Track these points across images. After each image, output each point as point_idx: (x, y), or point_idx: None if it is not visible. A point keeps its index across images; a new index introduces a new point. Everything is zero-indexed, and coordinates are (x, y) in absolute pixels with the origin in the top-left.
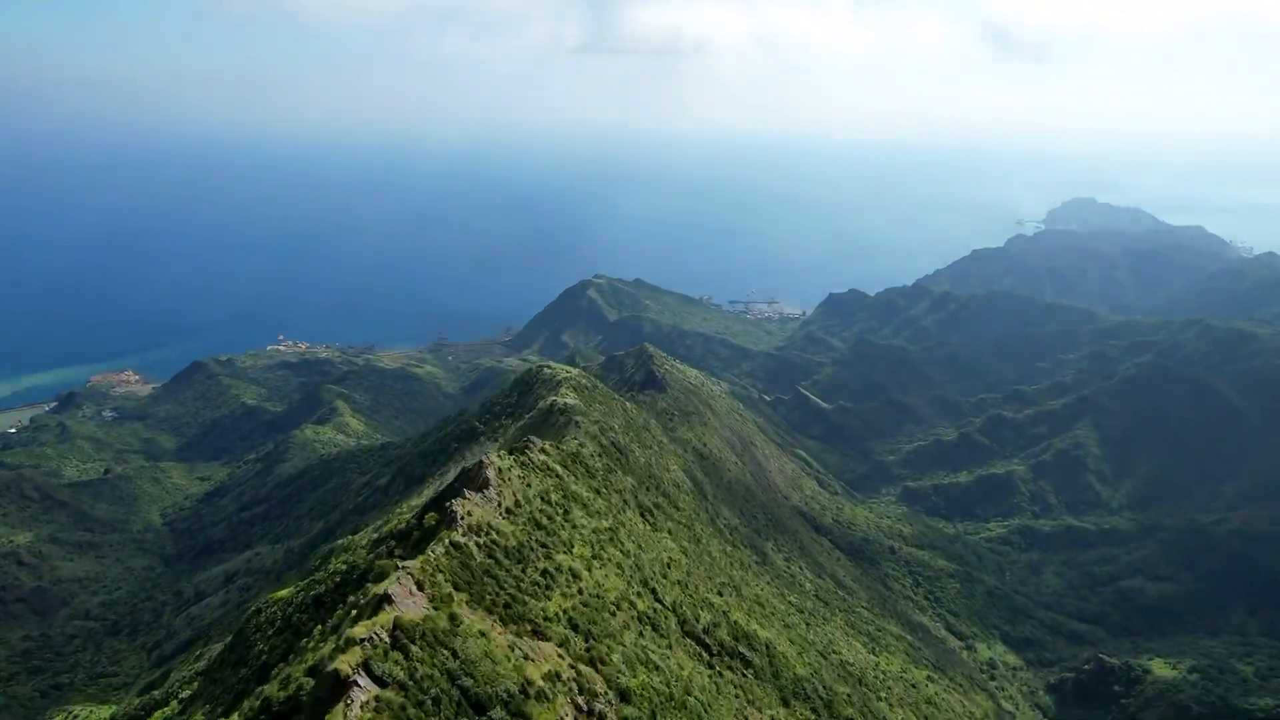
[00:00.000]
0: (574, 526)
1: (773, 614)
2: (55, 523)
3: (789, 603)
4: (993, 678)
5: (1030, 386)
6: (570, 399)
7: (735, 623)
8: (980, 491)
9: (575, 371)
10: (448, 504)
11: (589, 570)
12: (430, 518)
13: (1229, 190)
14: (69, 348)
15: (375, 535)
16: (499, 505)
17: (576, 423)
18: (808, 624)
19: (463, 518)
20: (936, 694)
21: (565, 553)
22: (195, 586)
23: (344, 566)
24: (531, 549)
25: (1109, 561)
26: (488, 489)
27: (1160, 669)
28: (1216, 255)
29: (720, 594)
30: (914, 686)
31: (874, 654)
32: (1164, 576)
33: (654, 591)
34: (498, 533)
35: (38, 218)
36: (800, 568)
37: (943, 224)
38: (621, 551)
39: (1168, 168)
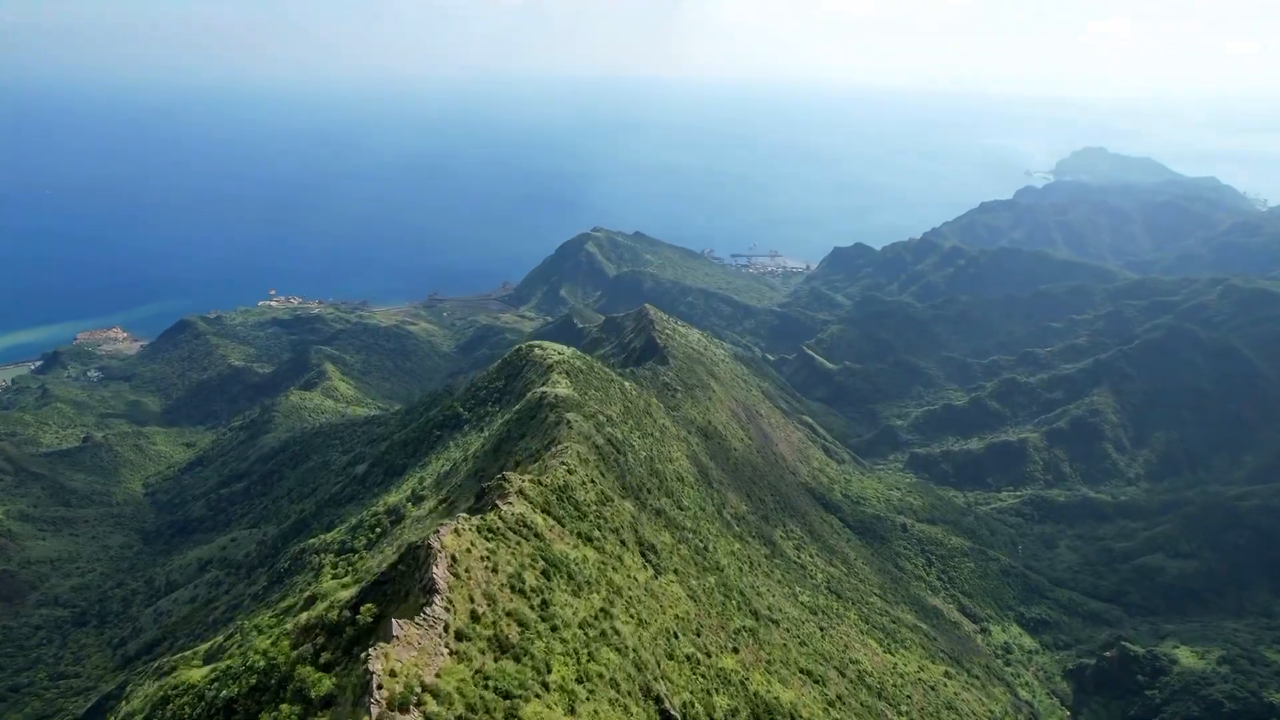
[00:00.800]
0: (554, 629)
1: (789, 649)
2: (29, 496)
3: (802, 605)
4: (1008, 664)
5: (1044, 349)
6: (562, 388)
7: (756, 695)
8: (991, 459)
9: (568, 352)
10: (364, 658)
11: (571, 710)
12: (367, 610)
13: (1243, 140)
14: (56, 304)
15: (306, 619)
16: (445, 631)
17: (568, 423)
18: (822, 630)
19: (381, 686)
20: (955, 695)
21: (538, 693)
22: (168, 575)
23: (262, 663)
24: (487, 709)
25: (1127, 536)
26: (432, 601)
27: (1187, 659)
28: (1232, 208)
29: (736, 649)
30: (932, 689)
31: (890, 652)
32: (1185, 554)
33: (658, 699)
34: (436, 697)
35: (20, 168)
36: (811, 555)
37: (948, 174)
38: (617, 650)
39: (1179, 117)
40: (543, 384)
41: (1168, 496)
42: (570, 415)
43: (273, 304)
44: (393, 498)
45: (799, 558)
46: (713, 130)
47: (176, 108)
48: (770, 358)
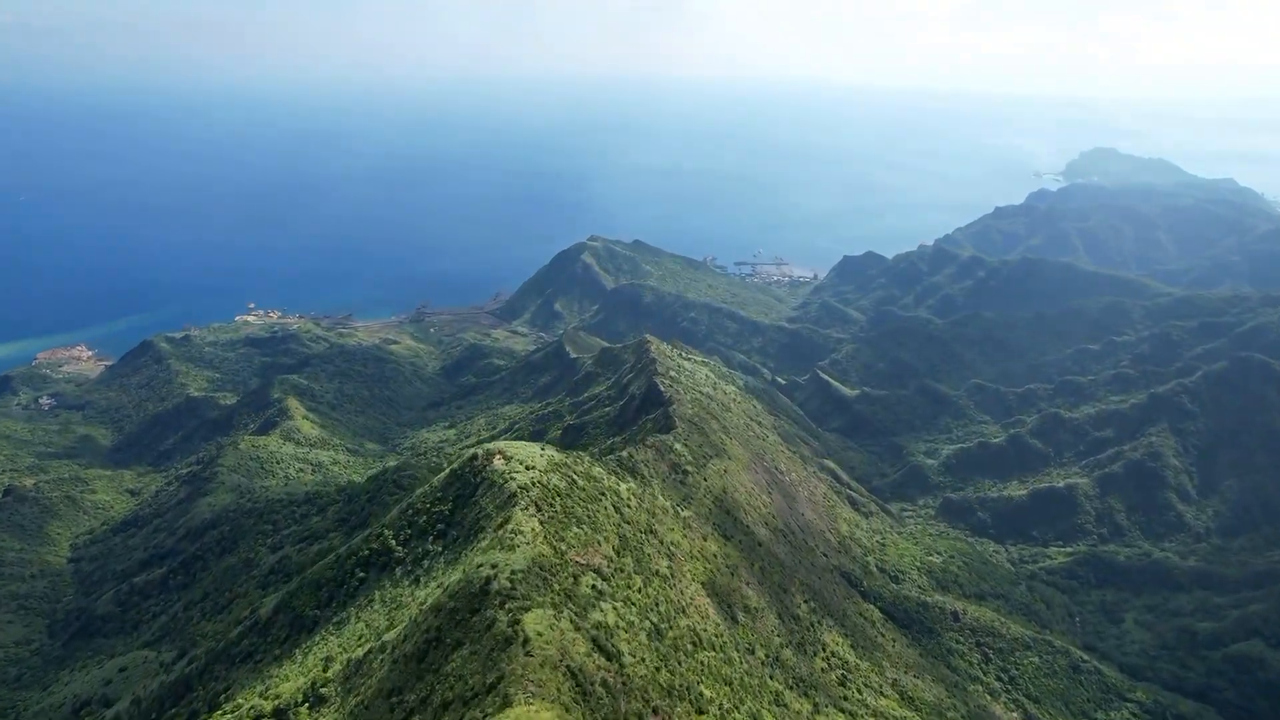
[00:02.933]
0: None
1: None
2: None
3: None
4: None
5: (1085, 377)
6: (527, 529)
7: None
8: (1036, 508)
9: (541, 461)
10: None
11: None
12: None
13: (1256, 139)
14: (17, 318)
15: None
16: None
17: (525, 642)
18: None
19: None
20: None
21: None
22: (34, 716)
23: None
24: None
25: (1212, 614)
26: None
27: None
28: (1258, 211)
29: None
30: None
31: None
32: None
33: None
34: None
35: None
36: (859, 689)
37: (955, 176)
38: None
39: (1188, 117)
40: (500, 524)
41: (1258, 564)
42: (529, 624)
43: (250, 319)
44: (286, 685)
45: (843, 693)
46: (712, 131)
47: (151, 108)
48: (781, 380)
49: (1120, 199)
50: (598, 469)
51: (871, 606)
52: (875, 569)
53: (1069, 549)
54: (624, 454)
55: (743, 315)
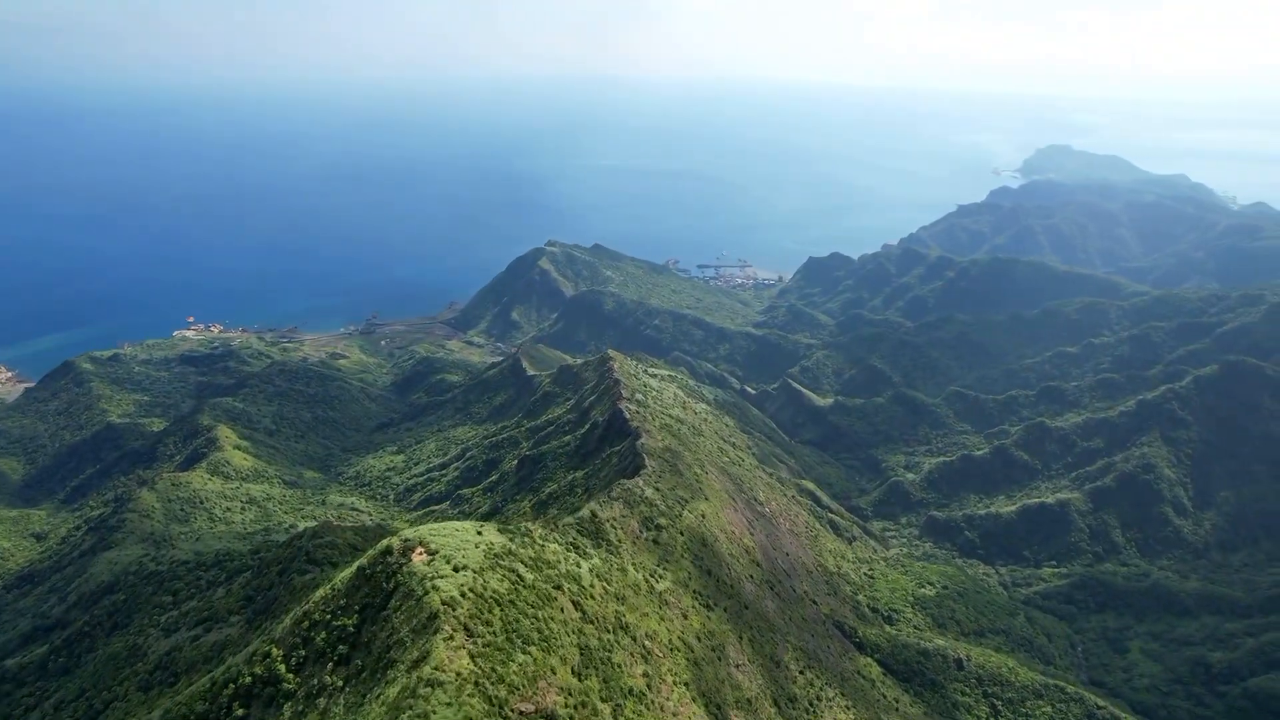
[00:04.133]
0: None
1: None
2: None
3: None
4: None
5: (1069, 382)
6: (451, 670)
7: None
8: (1026, 526)
9: (474, 558)
10: None
11: None
12: None
13: (1203, 135)
14: None
15: None
16: None
17: None
18: None
19: None
20: None
21: None
22: None
23: None
24: None
25: (1223, 643)
26: None
27: None
28: (1216, 207)
29: None
30: None
31: None
32: None
33: None
34: None
35: None
36: None
37: (915, 172)
38: None
39: (1138, 115)
40: (416, 660)
41: (1264, 583)
42: None
43: (189, 334)
44: None
45: None
46: (674, 131)
47: (85, 110)
48: (751, 390)
49: (1081, 195)
50: (554, 545)
51: (870, 660)
52: (868, 609)
53: (1063, 570)
54: (587, 515)
55: (708, 322)
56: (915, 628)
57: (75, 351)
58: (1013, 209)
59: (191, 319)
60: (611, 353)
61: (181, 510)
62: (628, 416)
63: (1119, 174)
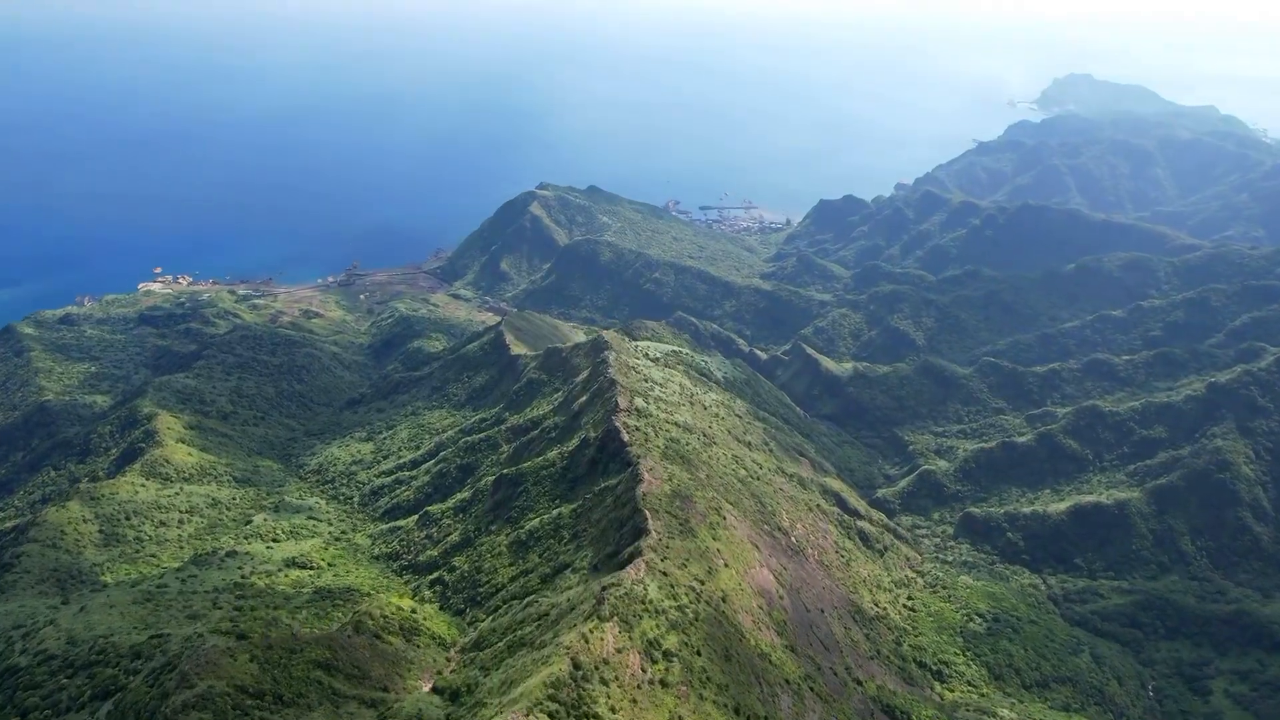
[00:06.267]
0: None
1: None
2: None
3: None
4: None
5: (1120, 356)
6: None
7: None
8: (1078, 529)
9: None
10: None
11: None
12: None
13: (1233, 63)
14: None
15: None
16: None
17: None
18: None
19: None
20: None
21: None
22: None
23: None
24: None
25: None
26: None
27: None
28: (1258, 144)
29: None
30: None
31: None
32: None
33: None
34: None
35: None
36: None
37: (928, 106)
38: None
39: (1161, 39)
40: None
41: None
42: None
43: (155, 286)
44: None
45: None
46: (670, 60)
47: (23, 40)
48: (761, 354)
49: (1109, 131)
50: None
51: None
52: (914, 664)
53: (1123, 584)
54: (564, 674)
55: (713, 275)
56: (969, 684)
57: (31, 308)
58: (1035, 147)
59: (159, 270)
60: (606, 337)
61: (103, 530)
62: (626, 439)
63: (1146, 105)
